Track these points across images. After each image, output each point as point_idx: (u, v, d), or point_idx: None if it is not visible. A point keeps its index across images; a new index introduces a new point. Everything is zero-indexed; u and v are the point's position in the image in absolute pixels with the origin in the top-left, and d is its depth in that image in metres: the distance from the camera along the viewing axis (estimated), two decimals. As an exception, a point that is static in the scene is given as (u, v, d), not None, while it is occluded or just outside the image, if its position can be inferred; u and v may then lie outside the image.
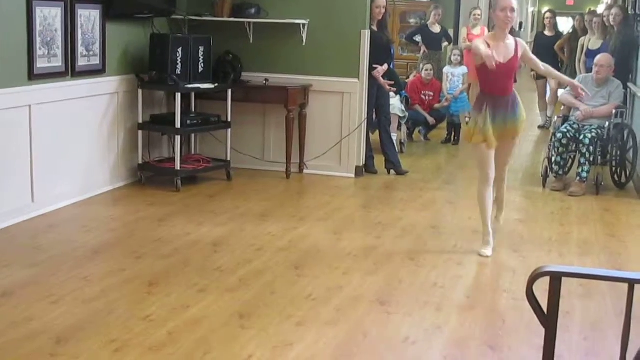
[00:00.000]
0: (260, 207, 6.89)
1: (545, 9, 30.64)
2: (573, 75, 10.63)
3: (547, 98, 12.68)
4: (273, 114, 8.29)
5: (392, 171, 8.54)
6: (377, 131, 8.72)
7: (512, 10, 5.45)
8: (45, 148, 6.36)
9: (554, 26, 12.60)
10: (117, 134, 7.35)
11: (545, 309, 2.58)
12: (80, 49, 6.75)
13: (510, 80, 5.69)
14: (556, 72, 6.36)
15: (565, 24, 14.39)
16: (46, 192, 6.41)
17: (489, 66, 5.24)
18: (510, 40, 5.61)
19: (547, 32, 12.52)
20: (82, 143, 6.88)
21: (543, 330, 2.64)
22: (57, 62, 6.49)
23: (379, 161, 8.59)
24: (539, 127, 12.78)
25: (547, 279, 2.59)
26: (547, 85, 12.53)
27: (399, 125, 9.95)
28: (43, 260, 5.30)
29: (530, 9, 28.94)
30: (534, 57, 5.87)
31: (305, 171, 8.33)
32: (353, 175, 8.23)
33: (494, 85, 5.60)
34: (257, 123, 8.41)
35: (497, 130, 5.62)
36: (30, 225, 6.09)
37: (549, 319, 2.48)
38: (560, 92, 10.68)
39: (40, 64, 6.28)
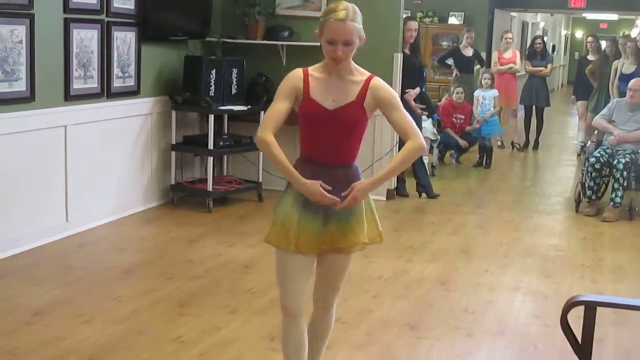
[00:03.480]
0: (291, 229, 6.89)
1: (578, 31, 30.57)
2: (606, 100, 10.56)
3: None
4: (305, 136, 8.29)
5: (423, 194, 8.53)
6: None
7: (348, 43, 3.30)
8: (80, 168, 6.43)
9: (597, 50, 12.41)
10: (150, 154, 7.41)
11: (578, 337, 2.57)
12: (116, 71, 6.83)
13: (346, 141, 3.40)
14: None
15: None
16: (80, 211, 6.47)
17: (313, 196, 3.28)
18: (356, 76, 3.41)
19: (590, 57, 12.37)
20: (116, 163, 6.95)
21: (575, 357, 2.62)
22: (93, 84, 6.57)
23: (410, 184, 8.58)
24: (578, 154, 12.39)
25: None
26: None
27: (431, 148, 9.93)
28: (75, 280, 5.34)
29: (563, 32, 28.83)
30: (405, 116, 3.39)
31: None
32: (384, 198, 8.22)
33: (314, 143, 3.40)
34: (288, 145, 8.34)
35: (314, 228, 3.36)
36: (64, 244, 6.15)
37: (583, 349, 2.46)
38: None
39: (77, 85, 6.36)
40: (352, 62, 3.39)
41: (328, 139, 3.37)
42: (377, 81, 3.43)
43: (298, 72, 3.43)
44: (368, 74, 3.44)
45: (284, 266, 3.43)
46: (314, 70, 3.44)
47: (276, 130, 3.30)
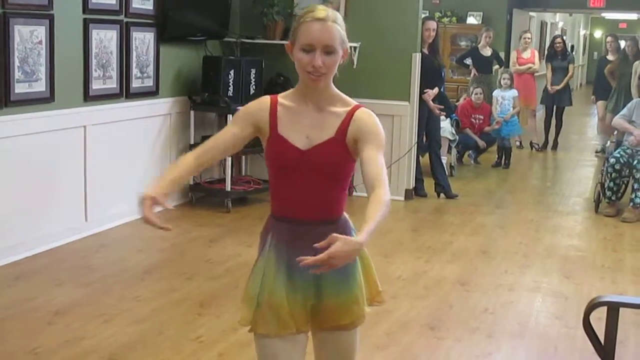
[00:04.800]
0: (310, 229, 6.88)
1: (597, 31, 30.42)
2: (626, 99, 10.48)
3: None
4: (323, 136, 8.28)
5: (441, 195, 8.50)
6: (427, 154, 8.70)
7: (331, 50, 2.55)
8: (99, 168, 6.45)
9: (616, 50, 12.33)
10: (169, 154, 7.42)
11: (600, 338, 2.55)
12: (135, 71, 6.85)
13: (327, 191, 2.67)
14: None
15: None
16: (99, 211, 6.49)
17: None
18: (338, 106, 2.65)
19: (609, 57, 12.30)
20: (135, 163, 6.96)
21: (597, 358, 2.60)
22: (112, 84, 6.59)
23: (429, 184, 8.55)
24: (597, 152, 12.47)
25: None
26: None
27: (449, 148, 9.91)
28: (95, 280, 5.36)
29: (582, 32, 28.69)
30: (378, 158, 2.59)
31: (354, 193, 8.31)
32: (403, 199, 8.20)
33: (289, 195, 2.68)
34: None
35: (306, 306, 2.66)
36: (83, 245, 6.17)
37: (606, 350, 2.44)
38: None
39: (96, 85, 6.38)
40: (335, 88, 2.66)
41: (304, 189, 2.62)
42: (364, 112, 2.65)
43: (265, 98, 2.72)
44: (354, 103, 2.67)
45: (275, 354, 2.63)
46: (285, 97, 2.70)
47: (205, 158, 2.71)
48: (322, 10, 2.56)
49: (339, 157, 2.61)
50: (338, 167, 2.64)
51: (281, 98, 2.70)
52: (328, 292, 2.63)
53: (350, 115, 2.62)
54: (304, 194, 2.62)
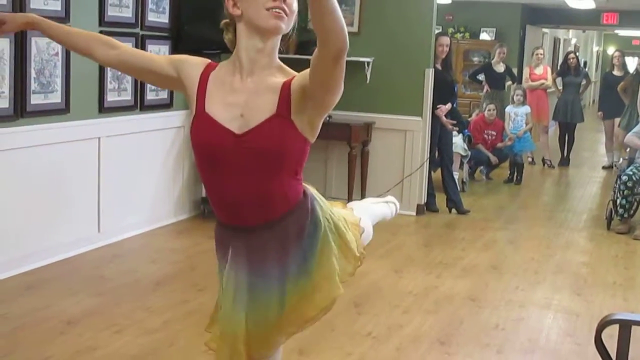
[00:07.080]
0: (321, 243, 6.90)
1: (610, 48, 30.40)
2: (638, 117, 10.48)
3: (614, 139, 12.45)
4: (335, 151, 8.33)
5: (453, 210, 8.50)
6: (439, 169, 8.71)
7: None
8: (113, 179, 6.49)
9: (623, 65, 12.41)
10: (182, 167, 7.46)
11: (612, 356, 2.55)
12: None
13: (273, 185, 2.18)
14: None
15: (632, 64, 14.22)
16: (112, 222, 6.52)
17: None
18: (278, 77, 2.29)
19: (615, 72, 12.35)
20: (148, 175, 7.00)
21: (609, 377, 2.61)
22: (127, 96, 6.64)
23: (441, 200, 8.56)
24: (604, 167, 12.59)
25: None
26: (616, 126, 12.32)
27: (461, 164, 9.92)
28: (107, 290, 5.39)
29: (595, 48, 28.68)
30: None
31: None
32: (414, 213, 8.21)
33: (225, 196, 2.22)
34: (319, 159, 8.45)
35: (262, 322, 2.31)
36: (96, 255, 6.20)
37: (617, 367, 2.45)
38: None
39: (111, 97, 6.43)
40: (278, 60, 2.27)
41: (245, 186, 2.09)
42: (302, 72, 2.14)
43: (203, 59, 2.29)
44: (295, 73, 2.24)
45: None
46: (221, 66, 2.24)
47: (115, 53, 2.41)
48: None
49: (285, 138, 2.08)
50: (285, 152, 2.09)
51: (218, 67, 2.23)
52: (292, 275, 2.22)
53: (289, 81, 2.17)
54: (246, 193, 2.10)
